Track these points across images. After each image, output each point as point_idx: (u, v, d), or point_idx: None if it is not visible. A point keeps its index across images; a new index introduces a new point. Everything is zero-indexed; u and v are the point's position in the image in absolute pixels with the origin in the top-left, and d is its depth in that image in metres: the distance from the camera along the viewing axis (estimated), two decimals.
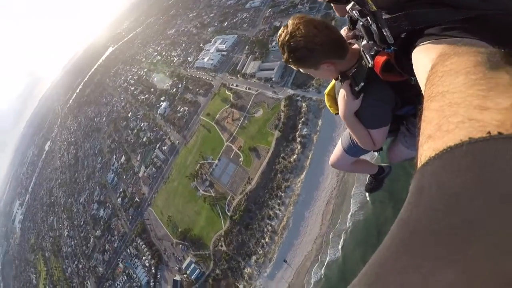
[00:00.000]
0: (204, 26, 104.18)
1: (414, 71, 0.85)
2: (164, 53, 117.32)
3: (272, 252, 40.02)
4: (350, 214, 33.62)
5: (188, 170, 65.75)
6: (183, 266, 52.52)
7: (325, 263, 33.21)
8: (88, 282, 76.31)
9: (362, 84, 1.49)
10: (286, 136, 47.66)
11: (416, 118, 1.68)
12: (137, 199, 78.79)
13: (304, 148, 43.84)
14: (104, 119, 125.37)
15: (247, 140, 55.13)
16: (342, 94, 1.65)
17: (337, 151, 2.23)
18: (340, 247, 32.84)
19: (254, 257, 41.92)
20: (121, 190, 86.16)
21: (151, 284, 58.57)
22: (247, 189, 48.81)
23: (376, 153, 1.93)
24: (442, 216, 0.29)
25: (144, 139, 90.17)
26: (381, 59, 1.26)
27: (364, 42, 1.31)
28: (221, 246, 47.88)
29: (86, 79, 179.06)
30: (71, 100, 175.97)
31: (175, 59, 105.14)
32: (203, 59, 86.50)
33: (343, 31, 1.71)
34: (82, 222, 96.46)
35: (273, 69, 57.83)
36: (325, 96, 1.95)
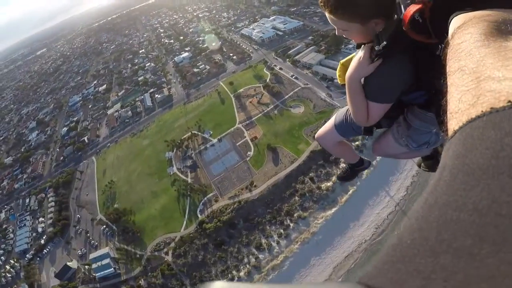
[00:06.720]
0: (269, 2, 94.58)
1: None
2: (214, 11, 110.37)
3: None
4: None
5: (171, 134, 50.23)
6: (92, 256, 36.82)
7: None
8: None
9: (385, 43, 1.26)
10: (327, 153, 32.79)
11: (420, 108, 1.58)
12: (85, 138, 62.42)
13: None
14: (112, 46, 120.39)
15: (268, 134, 40.57)
16: (357, 56, 1.46)
17: (327, 125, 2.12)
18: None
19: None
20: (75, 119, 71.93)
21: (27, 255, 41.77)
22: (243, 196, 35.07)
23: (365, 138, 1.56)
24: (462, 196, 0.28)
25: (140, 78, 77.11)
26: (413, 7, 1.06)
27: None
28: (166, 253, 33.08)
29: (124, 12, 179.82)
30: (96, 24, 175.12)
31: (223, 19, 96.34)
32: (253, 29, 75.34)
33: None
34: (2, 137, 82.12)
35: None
36: (339, 65, 1.75)
